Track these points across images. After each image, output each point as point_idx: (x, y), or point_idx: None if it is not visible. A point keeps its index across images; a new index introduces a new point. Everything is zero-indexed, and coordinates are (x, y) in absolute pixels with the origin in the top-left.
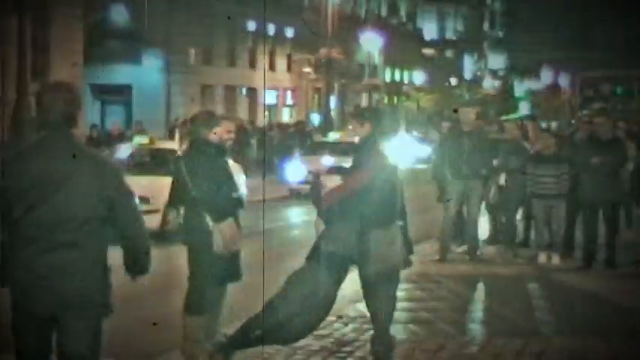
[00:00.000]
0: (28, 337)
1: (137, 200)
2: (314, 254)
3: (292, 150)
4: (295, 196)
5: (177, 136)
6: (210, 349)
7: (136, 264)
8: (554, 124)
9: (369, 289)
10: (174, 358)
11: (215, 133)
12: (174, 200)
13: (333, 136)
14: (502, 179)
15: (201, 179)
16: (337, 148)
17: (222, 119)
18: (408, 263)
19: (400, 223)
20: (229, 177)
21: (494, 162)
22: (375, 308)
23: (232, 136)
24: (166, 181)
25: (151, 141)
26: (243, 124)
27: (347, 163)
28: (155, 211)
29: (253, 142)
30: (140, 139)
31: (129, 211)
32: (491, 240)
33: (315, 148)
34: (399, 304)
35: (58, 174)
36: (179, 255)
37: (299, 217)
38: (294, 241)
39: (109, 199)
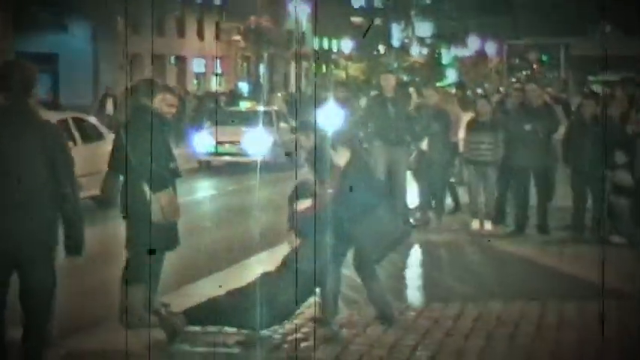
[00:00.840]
0: None
1: None
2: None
3: (202, 120)
4: (204, 167)
5: (109, 105)
6: (148, 318)
7: (70, 237)
8: (480, 91)
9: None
10: (113, 327)
11: (157, 103)
12: (113, 168)
13: (244, 105)
14: (424, 145)
15: (140, 148)
16: (248, 118)
17: (166, 90)
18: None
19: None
20: (168, 147)
21: (417, 128)
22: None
23: (173, 110)
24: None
25: None
26: (181, 94)
27: (255, 133)
28: None
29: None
30: None
31: (69, 172)
32: (421, 207)
33: (225, 118)
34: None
35: (11, 139)
36: (117, 225)
37: (207, 190)
38: (203, 216)
39: (51, 159)
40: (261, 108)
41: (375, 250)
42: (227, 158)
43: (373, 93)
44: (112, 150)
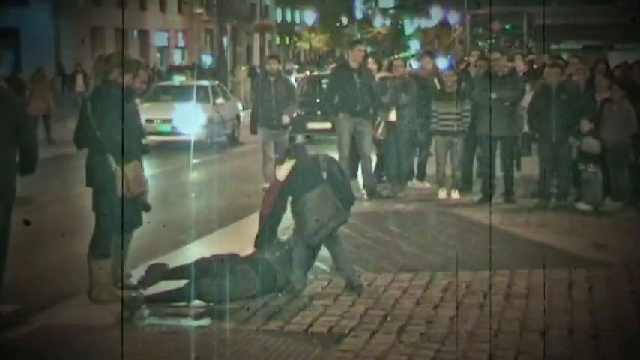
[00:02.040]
0: None
1: None
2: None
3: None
4: None
5: (79, 80)
6: (117, 292)
7: (28, 163)
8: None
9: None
10: (82, 301)
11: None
12: (78, 140)
13: (178, 78)
14: (392, 115)
15: (106, 120)
16: (182, 93)
17: (139, 66)
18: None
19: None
20: (136, 121)
21: (384, 99)
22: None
23: (144, 87)
24: None
25: None
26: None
27: (188, 110)
28: None
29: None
30: None
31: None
32: (386, 177)
33: (158, 93)
34: None
35: None
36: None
37: None
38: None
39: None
40: (195, 82)
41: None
42: (156, 138)
43: (337, 64)
44: (77, 124)
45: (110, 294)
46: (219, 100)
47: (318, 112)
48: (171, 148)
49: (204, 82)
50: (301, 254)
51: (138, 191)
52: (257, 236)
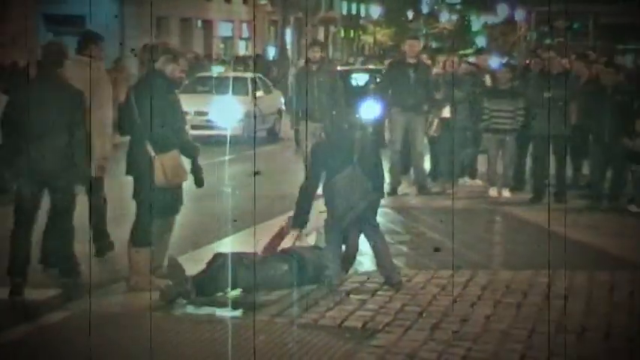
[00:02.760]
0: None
1: None
2: None
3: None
4: None
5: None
6: (156, 280)
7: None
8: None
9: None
10: (120, 289)
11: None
12: (121, 129)
13: (217, 69)
14: (446, 112)
15: (147, 109)
16: (219, 85)
17: (181, 56)
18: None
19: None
20: (177, 112)
21: (437, 95)
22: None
23: (184, 76)
24: None
25: None
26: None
27: (225, 103)
28: None
29: None
30: None
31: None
32: (437, 173)
33: (195, 84)
34: None
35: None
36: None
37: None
38: None
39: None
40: (234, 74)
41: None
42: (191, 131)
43: (393, 59)
44: (120, 110)
45: (149, 282)
46: (259, 94)
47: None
48: (207, 142)
49: (244, 75)
50: (334, 240)
51: (176, 181)
52: (293, 217)
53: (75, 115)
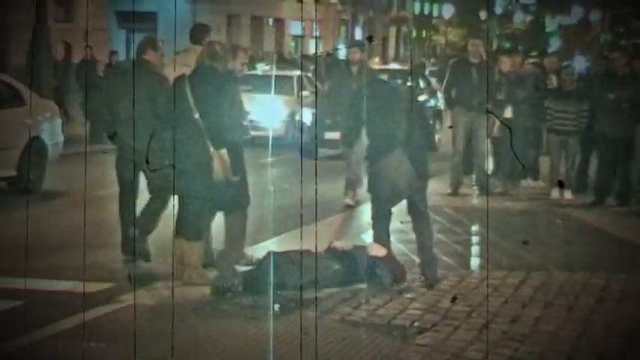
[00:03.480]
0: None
1: None
2: None
3: None
4: None
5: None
6: (207, 274)
7: None
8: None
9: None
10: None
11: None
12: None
13: (261, 67)
14: (508, 112)
15: (205, 104)
16: (263, 83)
17: (240, 50)
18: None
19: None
20: (236, 107)
21: (499, 95)
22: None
23: (245, 68)
24: None
25: None
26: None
27: (268, 102)
28: None
29: None
30: None
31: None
32: (500, 174)
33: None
34: (408, 237)
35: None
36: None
37: None
38: None
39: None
40: (278, 72)
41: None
42: None
43: (457, 58)
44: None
45: (200, 276)
46: (306, 93)
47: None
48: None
49: (290, 73)
50: (380, 227)
51: (233, 177)
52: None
53: None
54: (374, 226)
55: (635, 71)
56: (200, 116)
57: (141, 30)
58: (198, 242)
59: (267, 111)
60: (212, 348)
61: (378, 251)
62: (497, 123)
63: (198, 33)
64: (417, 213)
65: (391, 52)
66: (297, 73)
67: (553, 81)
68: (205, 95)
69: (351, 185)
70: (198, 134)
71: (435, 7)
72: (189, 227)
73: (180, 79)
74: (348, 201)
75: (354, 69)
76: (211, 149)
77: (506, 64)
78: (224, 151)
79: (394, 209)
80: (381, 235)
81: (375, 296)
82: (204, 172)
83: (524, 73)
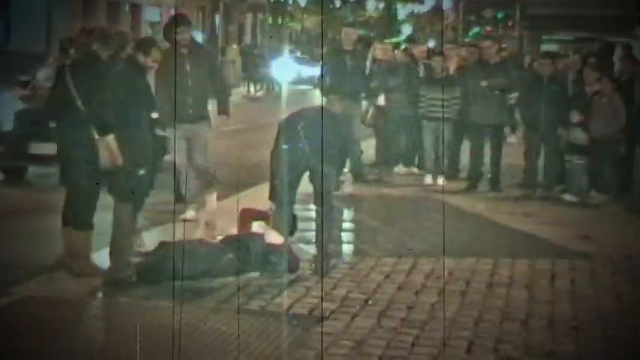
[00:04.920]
0: None
1: None
2: None
3: None
4: None
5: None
6: (97, 265)
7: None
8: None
9: None
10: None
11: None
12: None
13: None
14: (381, 100)
15: (88, 92)
16: None
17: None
18: None
19: None
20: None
21: (372, 83)
22: None
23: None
24: None
25: None
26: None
27: None
28: None
29: None
30: None
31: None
32: (375, 161)
33: None
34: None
35: None
36: None
37: None
38: None
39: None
40: None
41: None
42: None
43: (330, 47)
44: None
45: (91, 267)
46: None
47: None
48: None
49: None
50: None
51: (118, 163)
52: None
53: None
54: (275, 212)
55: (504, 59)
56: (82, 104)
57: None
58: (88, 232)
59: None
60: (108, 343)
61: (275, 239)
62: (371, 110)
63: None
64: (319, 203)
65: (247, 38)
66: None
67: (422, 69)
68: (86, 82)
69: None
70: (82, 122)
71: None
72: (77, 216)
73: (60, 67)
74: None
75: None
76: (96, 136)
77: (379, 51)
78: (111, 138)
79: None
80: (281, 221)
81: (271, 285)
82: (89, 159)
83: (397, 61)
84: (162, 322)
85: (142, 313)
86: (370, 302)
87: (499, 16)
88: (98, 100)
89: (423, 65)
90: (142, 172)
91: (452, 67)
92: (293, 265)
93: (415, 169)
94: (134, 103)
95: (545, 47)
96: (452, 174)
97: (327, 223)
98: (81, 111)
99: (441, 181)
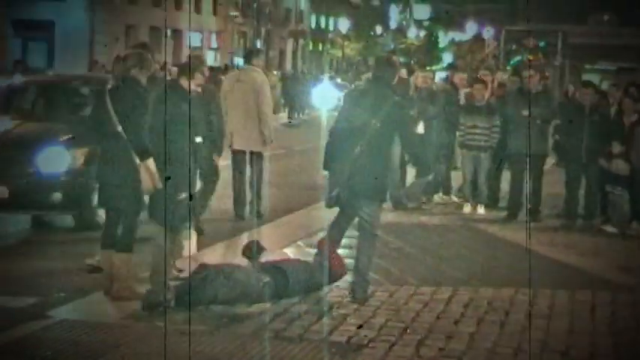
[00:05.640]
0: None
1: None
2: None
3: None
4: None
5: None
6: (138, 289)
7: None
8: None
9: None
10: (98, 298)
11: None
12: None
13: None
14: (421, 127)
15: (129, 117)
16: None
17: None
18: None
19: None
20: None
21: (411, 111)
22: None
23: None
24: None
25: None
26: None
27: None
28: None
29: None
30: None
31: None
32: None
33: None
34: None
35: None
36: None
37: None
38: None
39: None
40: None
41: None
42: None
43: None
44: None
45: (131, 291)
46: None
47: None
48: None
49: None
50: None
51: (160, 186)
52: None
53: None
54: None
55: (547, 89)
56: (123, 129)
57: (37, 39)
58: (127, 255)
59: None
60: None
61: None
62: None
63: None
64: (362, 230)
65: (288, 64)
66: None
67: (462, 97)
68: (126, 107)
69: None
70: (123, 147)
71: (332, 20)
72: (119, 240)
73: (99, 92)
74: None
75: None
76: (137, 161)
77: (419, 79)
78: (151, 162)
79: None
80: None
81: (309, 312)
82: (131, 184)
83: (437, 89)
84: (198, 349)
85: (178, 338)
86: (408, 331)
87: (541, 44)
88: (139, 125)
89: (464, 93)
90: (183, 195)
91: (492, 95)
92: (337, 275)
93: (455, 198)
94: (176, 128)
95: (587, 77)
96: (491, 203)
97: (368, 250)
98: (121, 136)
99: (480, 210)
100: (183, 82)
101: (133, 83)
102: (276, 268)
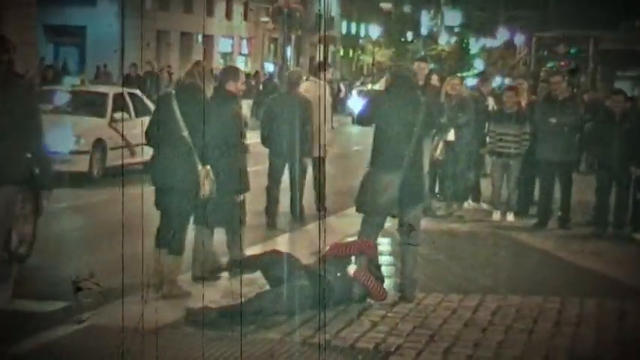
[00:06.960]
0: None
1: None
2: None
3: None
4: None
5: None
6: (186, 289)
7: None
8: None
9: None
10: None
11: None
12: (151, 139)
13: (70, 82)
14: (451, 135)
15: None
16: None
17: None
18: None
19: None
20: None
21: (442, 118)
22: None
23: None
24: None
25: (82, 83)
26: None
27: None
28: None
29: None
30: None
31: None
32: (440, 196)
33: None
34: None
35: None
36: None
37: None
38: None
39: None
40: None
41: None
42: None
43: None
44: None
45: (180, 289)
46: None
47: None
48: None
49: (104, 90)
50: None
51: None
52: None
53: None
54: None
55: (574, 95)
56: (189, 134)
57: (68, 44)
58: (180, 256)
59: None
60: None
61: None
62: (441, 145)
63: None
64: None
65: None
66: (117, 90)
67: (492, 104)
68: (193, 112)
69: None
70: (188, 151)
71: (363, 27)
72: (173, 241)
73: (166, 96)
74: None
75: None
76: (199, 166)
77: (449, 86)
78: (209, 167)
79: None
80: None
81: (336, 318)
82: (191, 187)
83: (467, 96)
84: (226, 355)
85: (206, 344)
86: (436, 338)
87: (572, 51)
88: (202, 130)
89: (494, 100)
90: (241, 198)
91: (523, 102)
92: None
93: (484, 205)
94: (230, 131)
95: (618, 84)
96: (521, 210)
97: (414, 251)
98: (186, 140)
99: (509, 217)
100: (230, 86)
101: (198, 90)
102: (311, 272)
